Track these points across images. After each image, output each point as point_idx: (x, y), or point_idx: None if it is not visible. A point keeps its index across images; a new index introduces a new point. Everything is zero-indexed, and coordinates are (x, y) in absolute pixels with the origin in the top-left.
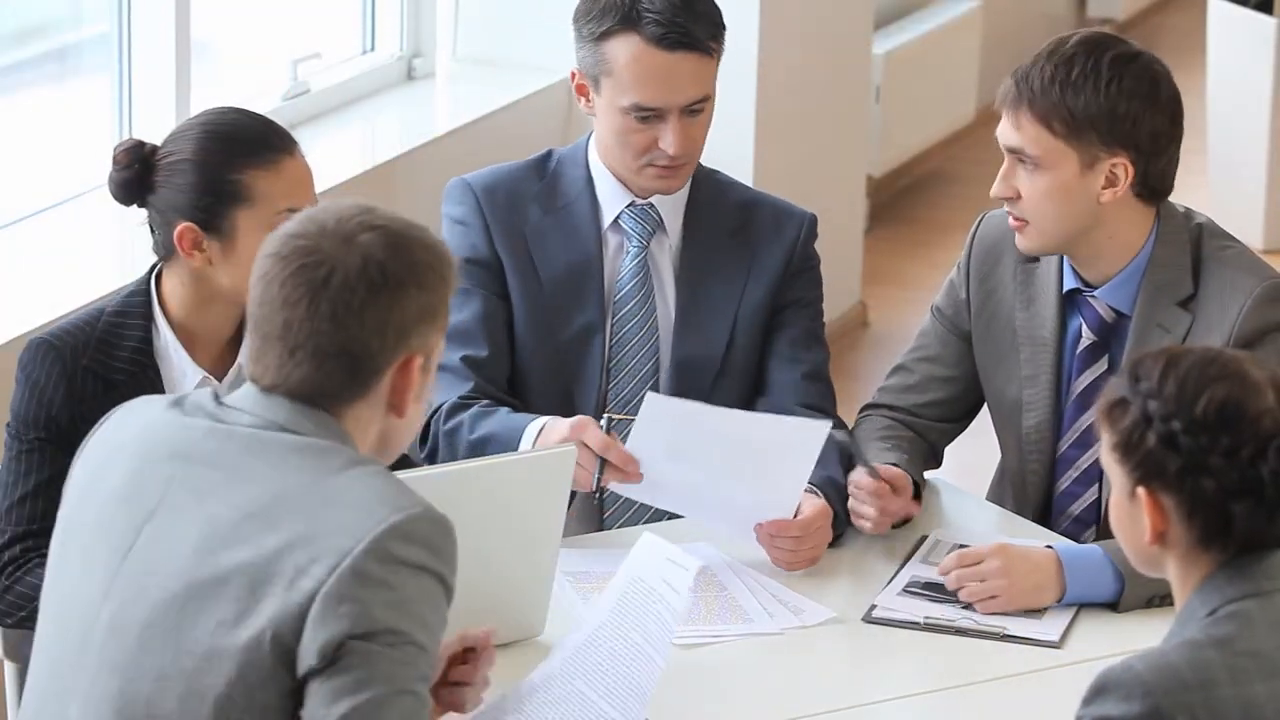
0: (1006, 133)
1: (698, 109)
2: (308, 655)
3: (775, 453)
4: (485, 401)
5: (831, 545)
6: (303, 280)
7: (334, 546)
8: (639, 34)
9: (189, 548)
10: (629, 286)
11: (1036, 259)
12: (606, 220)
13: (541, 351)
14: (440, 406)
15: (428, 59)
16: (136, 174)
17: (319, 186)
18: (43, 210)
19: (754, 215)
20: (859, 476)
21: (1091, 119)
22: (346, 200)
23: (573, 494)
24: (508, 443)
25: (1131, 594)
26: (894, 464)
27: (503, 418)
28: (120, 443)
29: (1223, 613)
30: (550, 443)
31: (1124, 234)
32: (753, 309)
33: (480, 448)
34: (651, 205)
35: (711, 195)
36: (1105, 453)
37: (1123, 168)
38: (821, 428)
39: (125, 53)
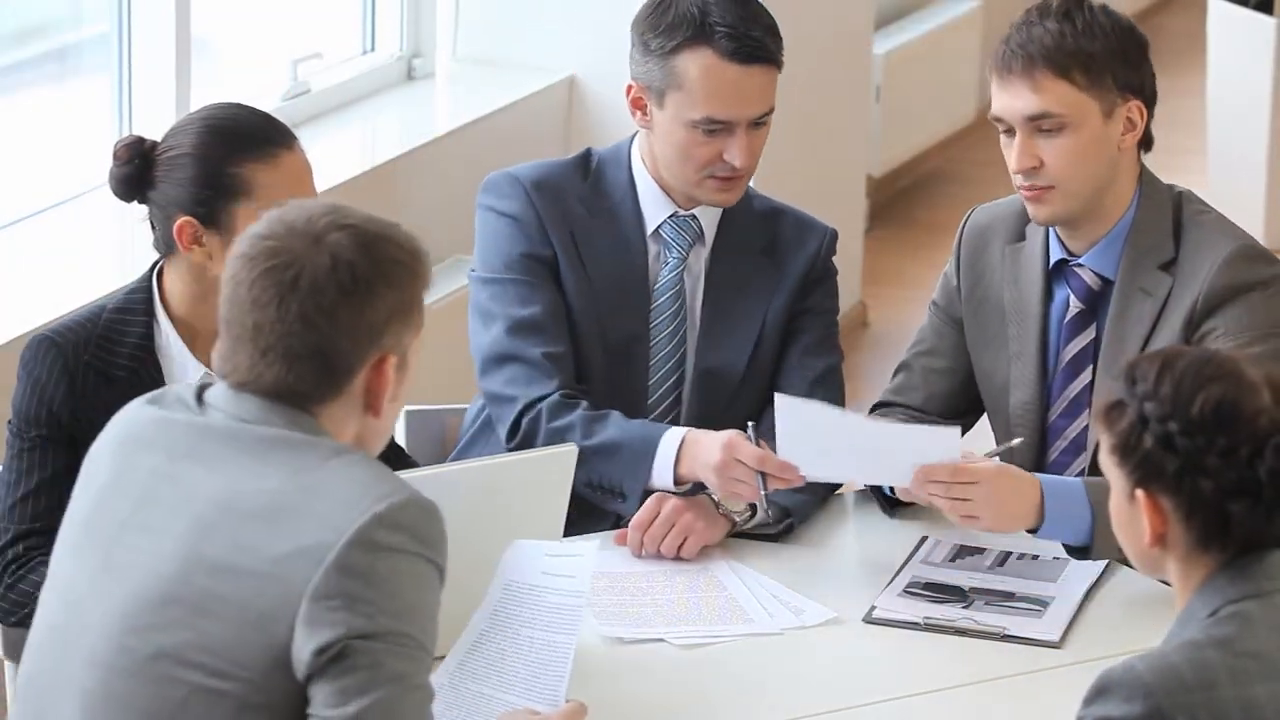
0: (1020, 101)
1: (763, 121)
2: (304, 654)
3: (917, 459)
4: (585, 404)
5: (831, 545)
6: (271, 282)
7: (318, 542)
8: (712, 47)
9: (172, 543)
10: (665, 296)
11: (1023, 237)
12: (648, 228)
13: (590, 350)
14: (539, 403)
15: (428, 59)
16: (136, 169)
17: (319, 187)
18: (43, 210)
19: (778, 227)
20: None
21: (1106, 63)
22: (316, 200)
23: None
24: (641, 453)
25: (1103, 540)
26: None
27: (622, 424)
28: (106, 443)
29: (1223, 613)
30: (700, 461)
31: (1120, 191)
32: (775, 321)
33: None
34: (694, 217)
35: (742, 207)
36: (1104, 455)
37: (1137, 110)
38: (952, 434)
39: (125, 52)
